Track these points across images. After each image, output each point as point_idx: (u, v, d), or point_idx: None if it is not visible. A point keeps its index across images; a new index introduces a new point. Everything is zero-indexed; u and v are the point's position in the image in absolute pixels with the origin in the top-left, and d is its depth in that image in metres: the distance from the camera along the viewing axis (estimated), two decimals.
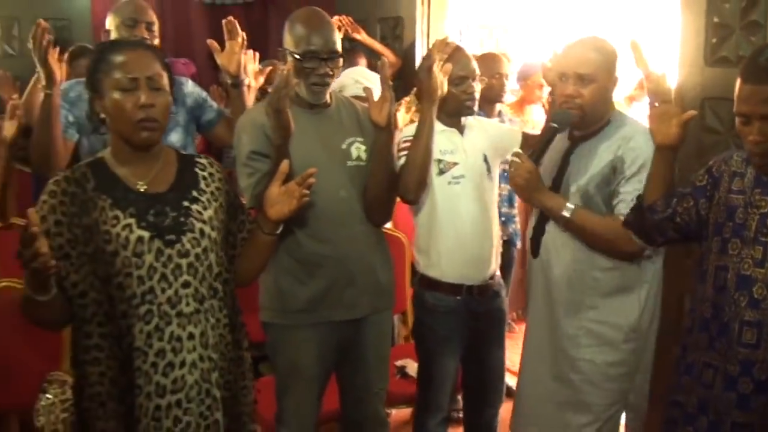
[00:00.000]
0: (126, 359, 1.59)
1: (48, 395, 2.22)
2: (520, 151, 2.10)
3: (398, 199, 2.25)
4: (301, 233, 2.04)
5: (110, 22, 2.50)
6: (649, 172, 1.91)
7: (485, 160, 2.31)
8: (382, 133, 2.07)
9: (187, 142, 2.56)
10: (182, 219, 1.62)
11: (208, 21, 4.46)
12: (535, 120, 3.60)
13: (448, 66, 2.14)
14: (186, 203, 1.65)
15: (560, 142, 2.11)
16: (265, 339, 2.18)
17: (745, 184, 1.71)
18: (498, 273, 2.40)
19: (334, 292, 2.10)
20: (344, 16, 3.86)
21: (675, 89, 2.58)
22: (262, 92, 2.87)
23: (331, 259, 2.08)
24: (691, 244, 1.93)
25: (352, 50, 3.80)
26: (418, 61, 3.75)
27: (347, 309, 2.13)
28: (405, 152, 2.19)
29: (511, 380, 2.70)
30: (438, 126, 2.22)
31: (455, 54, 2.21)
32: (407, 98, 3.37)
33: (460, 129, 2.32)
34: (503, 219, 3.09)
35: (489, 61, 3.15)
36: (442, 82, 2.12)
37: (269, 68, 3.12)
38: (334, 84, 2.25)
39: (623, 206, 1.96)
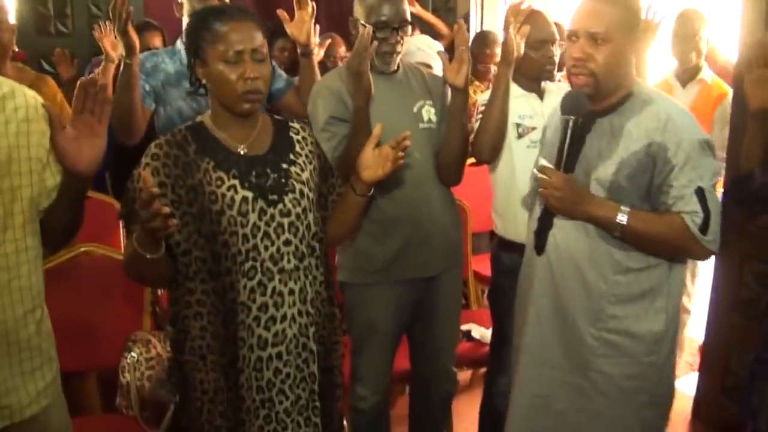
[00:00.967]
0: (228, 313, 1.66)
1: (133, 353, 2.32)
2: (544, 162, 1.82)
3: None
4: (379, 195, 2.10)
5: None
6: (746, 139, 1.83)
7: None
8: (458, 95, 2.10)
9: None
10: (283, 180, 1.68)
11: None
12: None
13: (526, 28, 2.15)
14: (285, 165, 1.70)
15: (558, 115, 1.82)
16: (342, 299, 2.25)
17: None
18: None
19: (409, 251, 2.17)
20: None
21: (738, 55, 2.61)
22: (321, 65, 2.92)
23: (407, 220, 2.15)
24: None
25: None
26: (472, 34, 3.78)
27: (422, 267, 2.20)
28: (480, 115, 2.23)
29: None
30: (517, 90, 2.25)
31: (534, 17, 2.22)
32: None
33: (540, 94, 2.34)
34: None
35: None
36: (518, 45, 2.14)
37: (328, 41, 3.18)
38: None
39: (682, 203, 1.68)
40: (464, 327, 2.78)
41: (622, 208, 1.69)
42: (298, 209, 1.69)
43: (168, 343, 2.36)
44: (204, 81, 1.67)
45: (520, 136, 2.27)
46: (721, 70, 3.17)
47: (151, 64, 2.47)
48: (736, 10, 2.66)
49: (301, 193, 1.70)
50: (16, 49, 3.07)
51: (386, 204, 2.12)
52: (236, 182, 1.64)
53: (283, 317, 1.67)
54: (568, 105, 1.74)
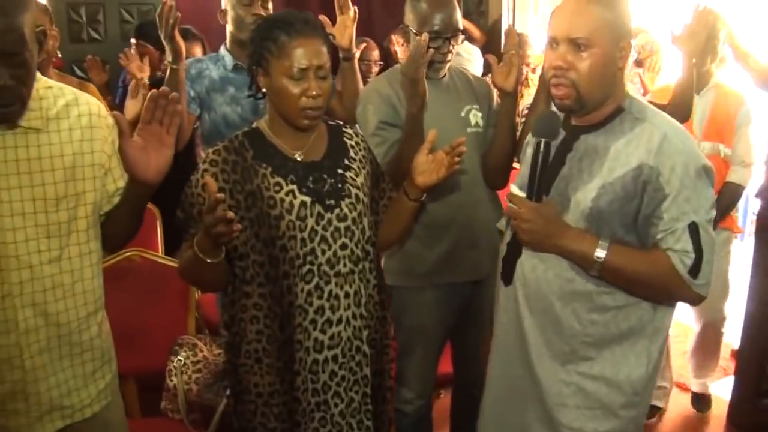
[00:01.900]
0: (285, 317, 1.68)
1: (179, 357, 2.35)
2: (515, 189, 1.63)
3: None
4: (428, 199, 2.11)
5: (226, 1, 2.57)
6: None
7: None
8: (507, 99, 2.11)
9: None
10: (339, 185, 1.70)
11: None
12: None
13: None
14: (340, 170, 1.72)
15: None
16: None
17: None
18: None
19: (457, 255, 2.18)
20: None
21: None
22: None
23: (455, 224, 2.16)
24: None
25: None
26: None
27: (470, 271, 2.22)
28: (524, 119, 2.25)
29: None
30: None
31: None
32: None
33: None
34: None
35: None
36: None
37: (363, 45, 3.20)
38: None
39: (672, 239, 1.47)
40: None
41: (601, 242, 1.49)
42: (354, 214, 1.71)
43: (214, 346, 2.40)
44: (264, 89, 1.69)
45: None
46: (743, 55, 3.02)
47: (196, 70, 2.50)
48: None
49: (357, 197, 1.72)
50: (59, 55, 3.11)
51: (435, 208, 2.14)
52: (294, 187, 1.66)
53: (339, 320, 1.69)
54: (540, 127, 1.56)
